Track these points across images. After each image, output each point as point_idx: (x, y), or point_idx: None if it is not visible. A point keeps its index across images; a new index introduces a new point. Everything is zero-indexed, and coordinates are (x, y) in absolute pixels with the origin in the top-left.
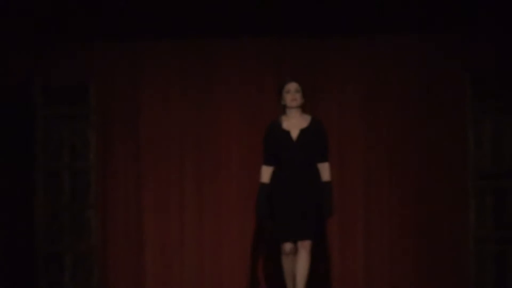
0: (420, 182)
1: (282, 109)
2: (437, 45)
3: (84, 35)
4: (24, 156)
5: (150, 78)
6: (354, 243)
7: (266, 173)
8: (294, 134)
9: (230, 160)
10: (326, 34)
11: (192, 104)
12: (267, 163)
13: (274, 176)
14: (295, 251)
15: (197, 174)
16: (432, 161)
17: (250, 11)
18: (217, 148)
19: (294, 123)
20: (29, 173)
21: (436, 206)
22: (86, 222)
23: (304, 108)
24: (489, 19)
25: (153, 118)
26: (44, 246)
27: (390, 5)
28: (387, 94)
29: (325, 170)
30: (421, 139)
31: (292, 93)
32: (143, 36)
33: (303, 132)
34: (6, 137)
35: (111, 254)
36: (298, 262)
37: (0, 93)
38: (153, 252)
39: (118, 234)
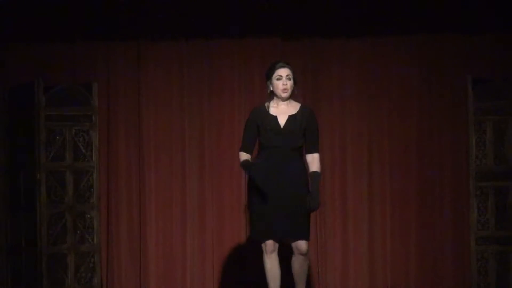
0: (422, 183)
1: (269, 95)
2: (439, 46)
3: (86, 35)
4: (27, 156)
5: (152, 78)
6: (357, 243)
7: (245, 156)
8: (282, 120)
9: (232, 160)
10: (327, 34)
11: (194, 104)
12: (245, 150)
13: (255, 166)
14: (277, 249)
15: (199, 173)
16: (434, 161)
17: (254, 11)
18: (220, 148)
19: (283, 109)
20: (32, 174)
21: (438, 206)
22: (89, 222)
23: (293, 95)
24: (490, 20)
25: (155, 118)
26: (47, 246)
27: (392, 6)
28: (389, 95)
29: (314, 161)
30: (423, 139)
31: (283, 80)
32: (145, 36)
33: (291, 118)
34: (9, 137)
35: (114, 254)
36: (295, 266)
37: (3, 94)
38: (156, 252)
39: (121, 234)
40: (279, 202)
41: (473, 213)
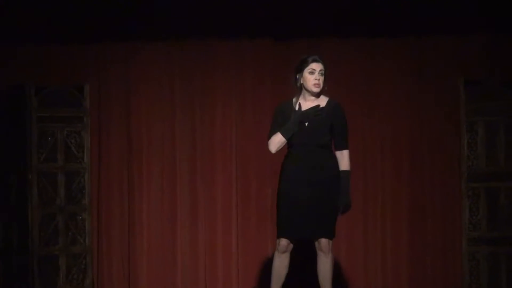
0: (414, 183)
1: (298, 90)
2: (431, 47)
3: (78, 37)
4: (18, 158)
5: (143, 79)
6: (349, 244)
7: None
8: None
9: (225, 162)
10: (320, 35)
11: (186, 105)
12: None
13: (283, 163)
14: (290, 250)
15: (191, 175)
16: (426, 162)
17: (245, 12)
18: (212, 149)
19: (310, 105)
20: (23, 175)
21: (430, 207)
22: (80, 224)
23: (323, 91)
24: (482, 22)
25: (146, 119)
26: (38, 248)
27: (386, 8)
28: (381, 96)
29: (344, 159)
30: (415, 140)
31: (316, 75)
32: (136, 38)
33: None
34: (1, 139)
35: (105, 255)
36: (319, 266)
37: None
38: (147, 253)
39: (112, 235)
40: (305, 201)
41: (465, 214)
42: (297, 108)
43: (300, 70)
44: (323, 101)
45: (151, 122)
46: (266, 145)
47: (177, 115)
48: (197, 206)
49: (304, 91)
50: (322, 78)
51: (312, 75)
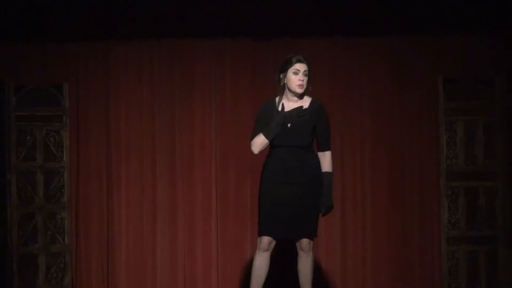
0: (393, 182)
1: (280, 89)
2: (410, 46)
3: (57, 36)
4: None
5: (122, 77)
6: (329, 243)
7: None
8: None
9: (203, 161)
10: (298, 34)
11: (165, 104)
12: None
13: (265, 163)
14: (271, 249)
15: (170, 174)
16: (405, 162)
17: (225, 11)
18: (191, 148)
19: (293, 105)
20: (2, 174)
21: (409, 206)
22: (59, 223)
23: (307, 91)
24: (461, 21)
25: (125, 118)
26: (18, 247)
27: (365, 7)
28: (360, 95)
29: (326, 160)
30: (394, 139)
31: (300, 75)
32: (116, 36)
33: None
34: None
35: (84, 254)
36: (299, 265)
37: None
38: (126, 252)
39: (91, 234)
40: (286, 201)
41: (444, 213)
42: (280, 109)
43: (284, 70)
44: (306, 102)
45: (130, 120)
46: (247, 145)
47: (156, 113)
48: (177, 205)
49: (287, 90)
50: (306, 79)
51: (296, 76)
